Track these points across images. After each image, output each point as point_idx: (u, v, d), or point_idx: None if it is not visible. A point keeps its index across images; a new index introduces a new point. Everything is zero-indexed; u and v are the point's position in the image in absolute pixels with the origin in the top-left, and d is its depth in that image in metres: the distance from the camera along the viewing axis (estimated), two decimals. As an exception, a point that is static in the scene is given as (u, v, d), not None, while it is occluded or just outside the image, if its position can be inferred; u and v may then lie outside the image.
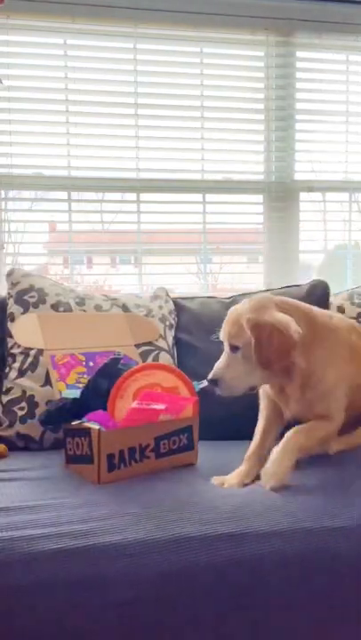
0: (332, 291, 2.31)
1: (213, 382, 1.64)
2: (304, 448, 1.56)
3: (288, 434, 1.57)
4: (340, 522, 1.31)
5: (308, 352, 1.61)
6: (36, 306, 2.06)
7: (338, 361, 1.69)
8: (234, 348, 1.63)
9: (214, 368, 1.65)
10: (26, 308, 2.06)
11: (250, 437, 1.72)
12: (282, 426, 1.72)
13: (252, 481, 1.55)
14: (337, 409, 1.68)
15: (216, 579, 1.21)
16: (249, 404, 1.77)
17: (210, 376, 1.64)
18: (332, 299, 2.28)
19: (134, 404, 1.56)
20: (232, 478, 1.56)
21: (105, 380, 1.65)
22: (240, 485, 1.53)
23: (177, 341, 2.21)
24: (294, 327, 1.56)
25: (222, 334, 1.67)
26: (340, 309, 2.21)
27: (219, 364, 1.65)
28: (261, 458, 1.60)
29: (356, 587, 1.29)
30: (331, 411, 1.67)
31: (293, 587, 1.25)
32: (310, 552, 1.26)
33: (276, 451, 1.53)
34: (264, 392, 1.78)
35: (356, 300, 2.23)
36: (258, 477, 1.55)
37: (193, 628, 1.22)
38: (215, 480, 1.56)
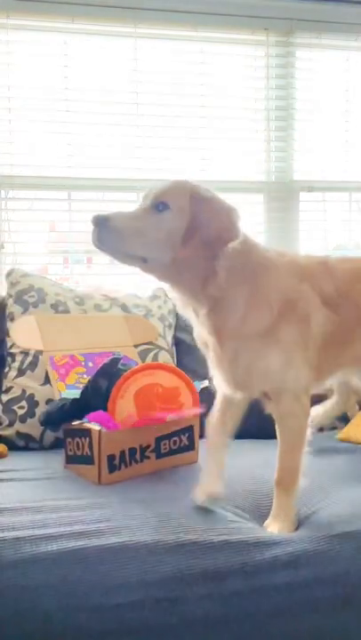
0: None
1: (98, 221, 1.27)
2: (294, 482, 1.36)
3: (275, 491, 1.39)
4: (341, 528, 1.31)
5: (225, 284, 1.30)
6: (35, 306, 2.06)
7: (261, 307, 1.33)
8: (159, 205, 1.30)
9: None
10: (25, 307, 2.05)
11: (251, 436, 1.72)
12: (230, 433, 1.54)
13: None
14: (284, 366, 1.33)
15: (218, 582, 1.21)
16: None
17: (96, 214, 1.28)
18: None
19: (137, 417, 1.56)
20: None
21: (105, 380, 1.65)
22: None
23: (177, 341, 2.21)
24: (241, 226, 1.29)
25: (148, 192, 1.34)
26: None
27: (116, 211, 1.31)
28: (221, 473, 1.46)
29: (355, 594, 1.28)
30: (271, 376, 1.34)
31: (295, 593, 1.24)
32: (312, 558, 1.26)
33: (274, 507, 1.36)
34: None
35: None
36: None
37: (195, 631, 1.21)
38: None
